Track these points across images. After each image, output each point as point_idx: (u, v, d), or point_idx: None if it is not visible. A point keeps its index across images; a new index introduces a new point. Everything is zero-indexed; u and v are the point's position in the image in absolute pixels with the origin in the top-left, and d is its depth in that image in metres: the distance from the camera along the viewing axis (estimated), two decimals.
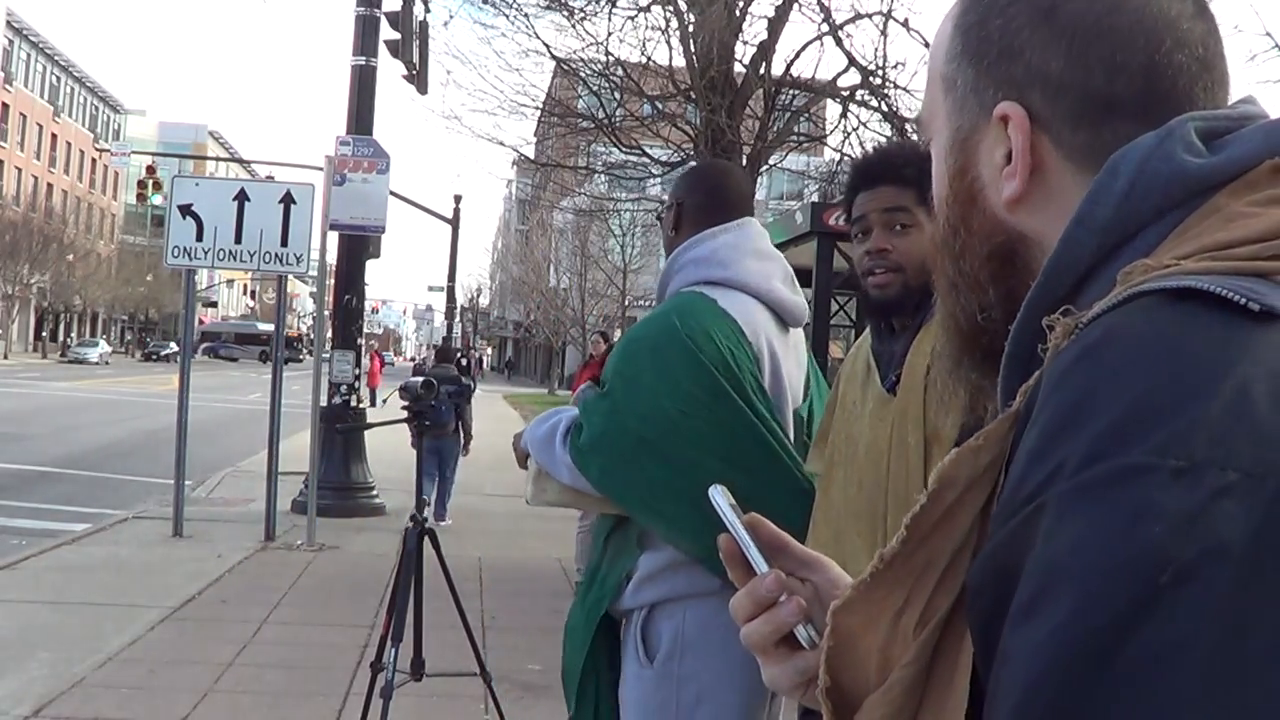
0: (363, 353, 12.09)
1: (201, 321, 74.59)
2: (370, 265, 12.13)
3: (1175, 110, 0.72)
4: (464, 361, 14.54)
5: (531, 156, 14.69)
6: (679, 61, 11.28)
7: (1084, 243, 0.69)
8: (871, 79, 10.74)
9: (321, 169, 10.57)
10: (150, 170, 30.33)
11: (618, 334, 34.29)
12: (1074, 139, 0.74)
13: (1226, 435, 0.54)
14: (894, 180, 2.00)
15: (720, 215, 2.43)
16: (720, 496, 0.90)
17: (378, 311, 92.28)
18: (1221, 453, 0.54)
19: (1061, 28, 0.74)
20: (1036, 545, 0.57)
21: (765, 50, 10.96)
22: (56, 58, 67.12)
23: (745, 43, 11.13)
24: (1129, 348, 0.59)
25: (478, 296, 73.73)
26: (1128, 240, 0.68)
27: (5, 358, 51.54)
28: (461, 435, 10.38)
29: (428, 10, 13.05)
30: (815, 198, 13.72)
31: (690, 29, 10.80)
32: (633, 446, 2.22)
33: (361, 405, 11.58)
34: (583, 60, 11.81)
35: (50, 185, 65.70)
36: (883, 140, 11.46)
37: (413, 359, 73.37)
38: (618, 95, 12.04)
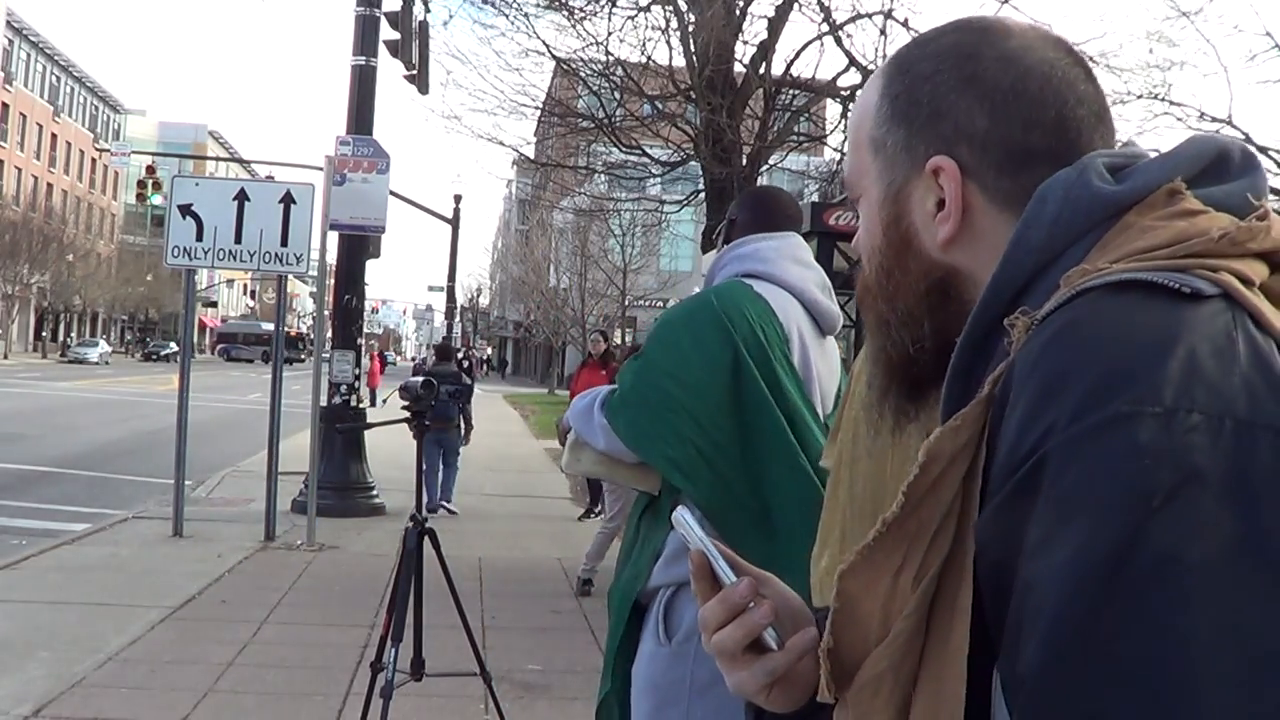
0: (362, 352, 12.09)
1: (202, 323, 74.51)
2: (370, 265, 12.14)
3: (1081, 155, 0.85)
4: (465, 362, 15.07)
5: (531, 156, 14.69)
6: (679, 61, 11.28)
7: (1022, 260, 0.82)
8: None
9: (321, 169, 10.57)
10: (150, 170, 30.36)
11: (618, 334, 34.29)
12: (998, 185, 0.87)
13: (1187, 387, 0.67)
14: None
15: (766, 228, 2.60)
16: (688, 514, 0.97)
17: (378, 311, 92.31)
18: (1186, 400, 0.67)
19: (983, 92, 0.87)
20: (1042, 490, 0.69)
21: (765, 50, 10.96)
22: (56, 58, 67.10)
23: (745, 43, 11.14)
24: (1090, 328, 0.72)
25: (478, 296, 73.72)
26: (1058, 256, 0.81)
27: (5, 358, 51.54)
28: (463, 428, 11.43)
29: (428, 10, 13.05)
30: (815, 198, 13.71)
31: (690, 29, 10.80)
32: (659, 400, 2.36)
33: (361, 405, 11.58)
34: (583, 60, 11.81)
35: (50, 185, 65.69)
36: None
37: (413, 359, 73.32)
38: (618, 95, 12.04)
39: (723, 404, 2.33)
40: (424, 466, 10.21)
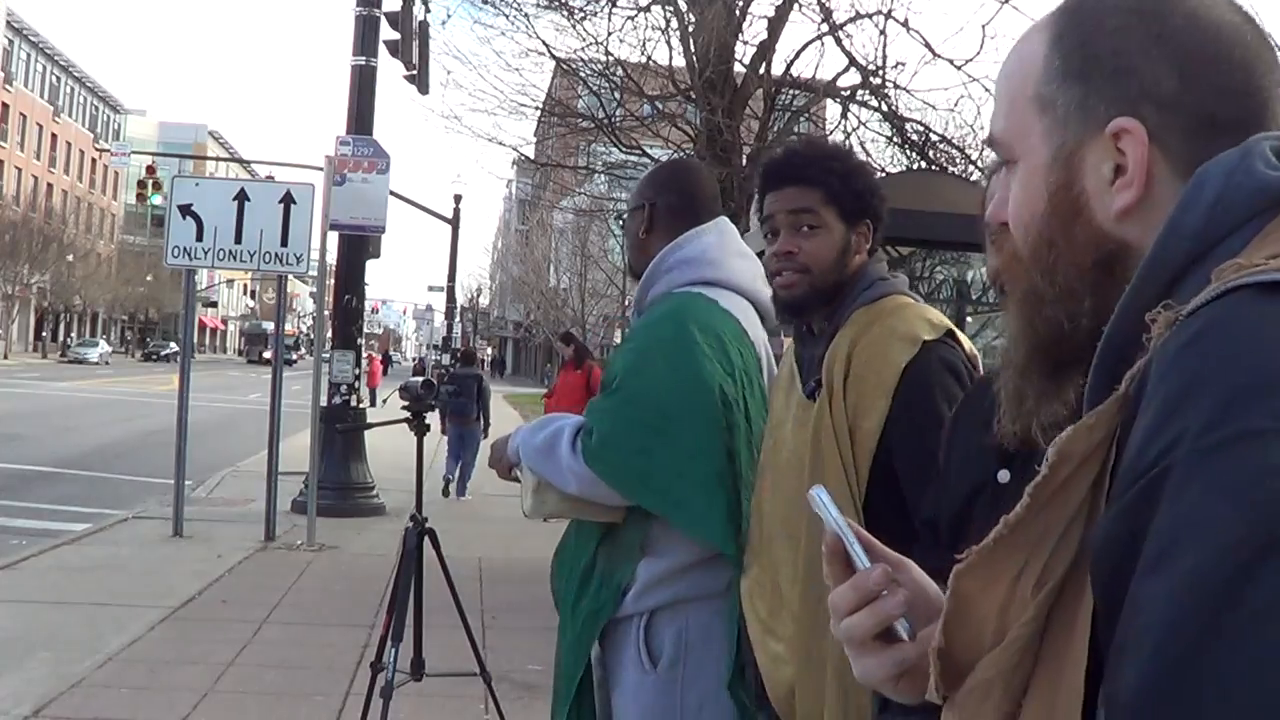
0: (362, 352, 12.10)
1: (202, 323, 74.35)
2: (370, 265, 12.15)
3: (1267, 128, 0.79)
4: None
5: (531, 156, 14.69)
6: (679, 61, 11.28)
7: (1176, 248, 0.76)
8: (871, 79, 10.75)
9: (321, 169, 10.57)
10: (150, 170, 30.35)
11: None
12: (1182, 152, 0.80)
13: None
14: (798, 180, 1.99)
15: (696, 216, 2.42)
16: (824, 495, 0.93)
17: (378, 311, 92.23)
18: None
19: (1172, 51, 0.81)
20: (1162, 505, 0.64)
21: (765, 50, 10.96)
22: (56, 58, 67.07)
23: (745, 43, 11.13)
24: (1234, 332, 0.66)
25: (478, 296, 73.68)
26: (1214, 245, 0.75)
27: (5, 358, 51.52)
28: (483, 422, 12.66)
29: (428, 10, 13.05)
30: None
31: (690, 29, 10.80)
32: (644, 436, 2.21)
33: (361, 405, 11.58)
34: (583, 60, 11.81)
35: (50, 185, 65.66)
36: (882, 139, 11.46)
37: (414, 359, 73.34)
38: (618, 95, 12.04)
39: (706, 429, 2.20)
40: (447, 454, 10.66)
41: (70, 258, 59.51)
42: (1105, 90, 0.82)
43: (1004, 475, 1.50)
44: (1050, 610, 0.74)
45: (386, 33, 11.64)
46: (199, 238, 9.03)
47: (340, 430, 9.85)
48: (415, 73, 12.54)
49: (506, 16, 11.60)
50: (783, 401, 2.08)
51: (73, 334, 67.59)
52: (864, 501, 1.89)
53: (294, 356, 58.21)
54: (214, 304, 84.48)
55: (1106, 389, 0.76)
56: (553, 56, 11.78)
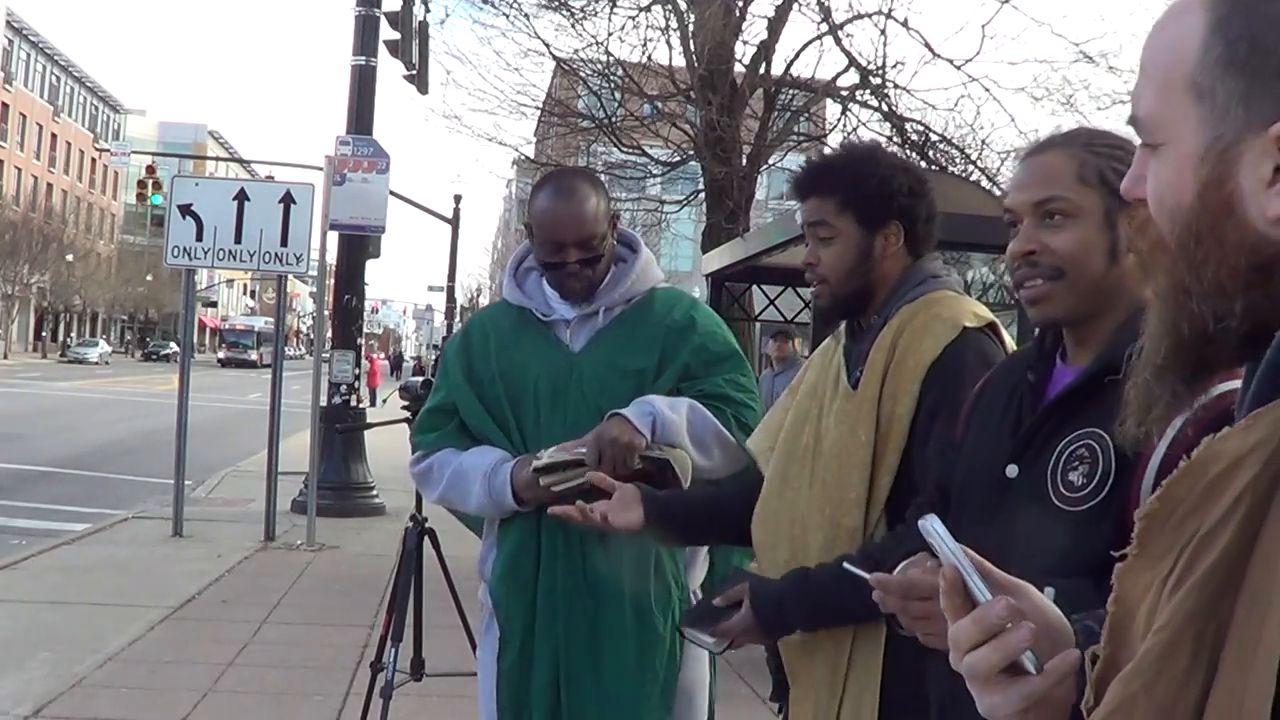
0: (362, 352, 12.10)
1: (202, 323, 74.32)
2: (370, 265, 12.15)
3: None
4: None
5: (531, 156, 14.69)
6: (679, 61, 11.29)
7: None
8: (871, 79, 10.76)
9: (321, 169, 10.57)
10: (150, 170, 30.29)
11: None
12: None
13: None
14: (815, 192, 2.04)
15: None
16: (937, 525, 0.88)
17: (378, 311, 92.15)
18: None
19: None
20: None
21: (765, 50, 10.97)
22: (56, 57, 67.06)
23: (745, 43, 11.15)
24: None
25: (478, 296, 73.65)
26: None
27: (5, 358, 51.51)
28: None
29: (427, 10, 13.06)
30: None
31: (690, 29, 10.81)
32: None
33: (361, 405, 11.57)
34: (583, 60, 11.82)
35: (50, 185, 65.65)
36: (882, 139, 11.46)
37: (413, 358, 73.38)
38: (618, 95, 12.05)
39: None
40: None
41: (70, 258, 59.48)
42: (1272, 87, 0.75)
43: (1012, 470, 1.51)
44: (1218, 615, 0.68)
45: (386, 33, 11.63)
46: (199, 238, 9.02)
47: (340, 430, 9.84)
48: (415, 73, 12.54)
49: (506, 16, 11.63)
50: (830, 393, 2.08)
51: (73, 334, 67.58)
52: (891, 491, 1.90)
53: (253, 355, 58.39)
54: (214, 304, 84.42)
55: (1273, 392, 0.72)
56: (553, 56, 11.80)
